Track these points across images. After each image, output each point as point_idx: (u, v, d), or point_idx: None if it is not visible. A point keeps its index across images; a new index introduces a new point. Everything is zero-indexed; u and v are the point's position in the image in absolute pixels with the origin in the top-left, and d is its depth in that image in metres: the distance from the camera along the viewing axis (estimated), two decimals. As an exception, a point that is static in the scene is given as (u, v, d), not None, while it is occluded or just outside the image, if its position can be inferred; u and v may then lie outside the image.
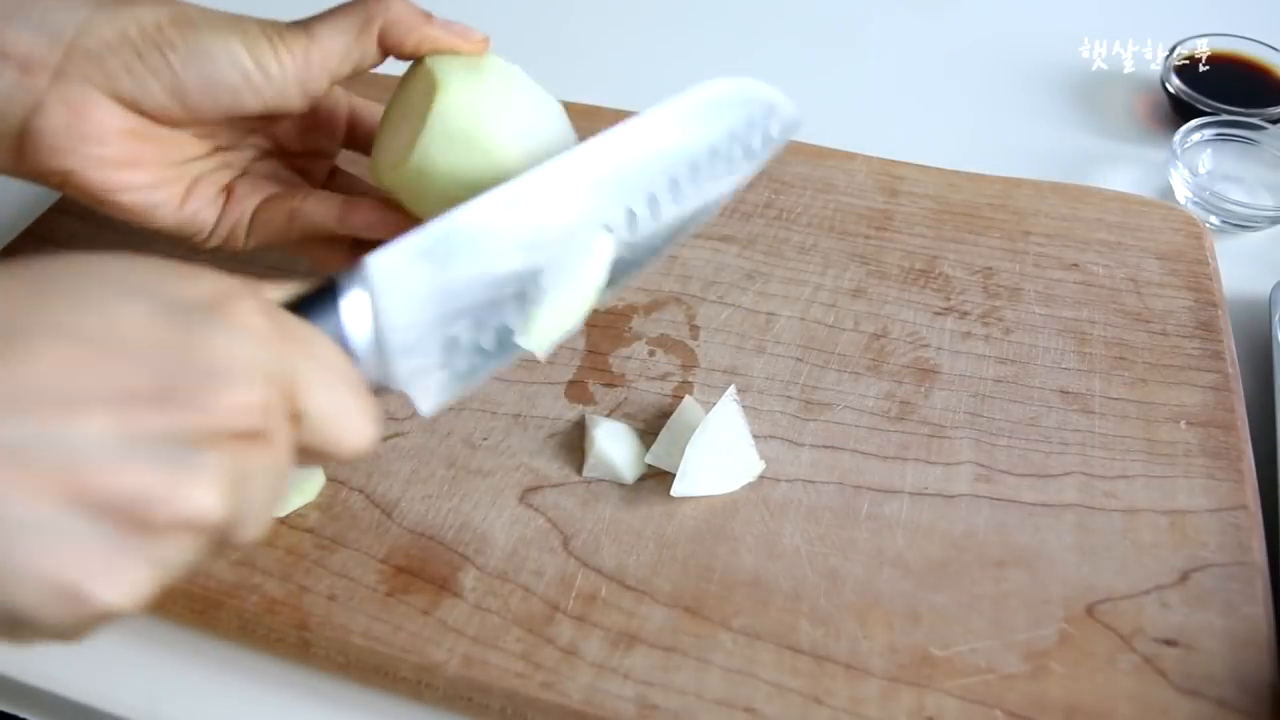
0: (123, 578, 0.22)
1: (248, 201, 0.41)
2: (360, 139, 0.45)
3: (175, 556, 0.24)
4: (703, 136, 0.39)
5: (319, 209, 0.41)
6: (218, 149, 0.41)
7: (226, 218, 0.41)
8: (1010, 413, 0.46)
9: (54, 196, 0.58)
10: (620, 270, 0.38)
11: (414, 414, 0.46)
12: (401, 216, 0.41)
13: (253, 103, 0.37)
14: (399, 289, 0.32)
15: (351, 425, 0.28)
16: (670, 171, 0.39)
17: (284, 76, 0.37)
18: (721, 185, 0.41)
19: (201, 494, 0.23)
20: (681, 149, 0.39)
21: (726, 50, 0.74)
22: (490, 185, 0.35)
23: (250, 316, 0.26)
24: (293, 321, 0.28)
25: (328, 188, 0.45)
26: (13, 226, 0.57)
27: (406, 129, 0.38)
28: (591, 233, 0.37)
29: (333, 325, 0.30)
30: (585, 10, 0.78)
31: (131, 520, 0.22)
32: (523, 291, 0.35)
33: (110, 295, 0.24)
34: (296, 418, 0.27)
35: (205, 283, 0.26)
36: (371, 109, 0.44)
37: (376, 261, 0.32)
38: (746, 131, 0.41)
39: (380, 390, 0.32)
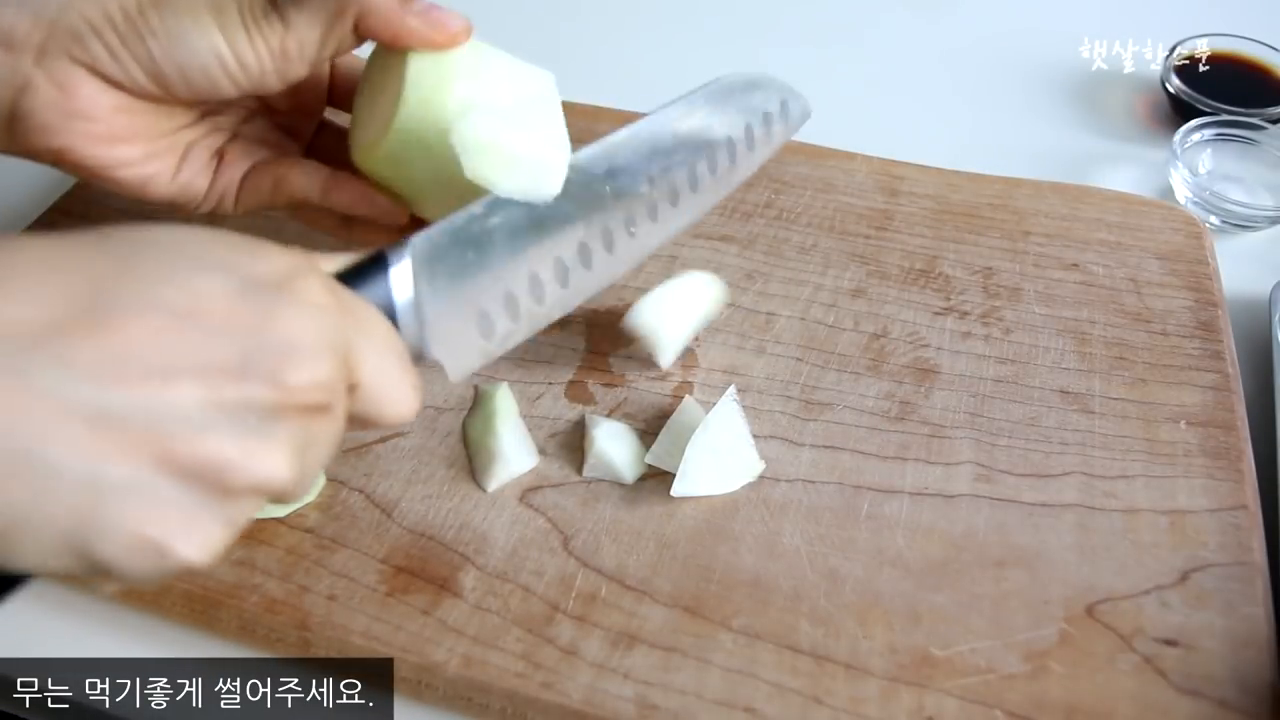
0: (201, 535, 0.24)
1: (237, 167, 0.42)
2: (343, 96, 0.45)
3: (244, 515, 0.26)
4: (720, 126, 0.42)
5: (303, 180, 0.41)
6: (205, 114, 0.41)
7: (217, 184, 0.41)
8: (1010, 413, 0.46)
9: (54, 196, 0.58)
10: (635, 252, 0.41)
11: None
12: (382, 195, 0.41)
13: (230, 89, 0.37)
14: (439, 264, 0.35)
15: (399, 395, 0.30)
16: (691, 161, 0.41)
17: (261, 66, 0.37)
18: (736, 175, 0.43)
19: (274, 462, 0.25)
20: (702, 136, 0.42)
21: (727, 51, 0.74)
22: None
23: (315, 293, 0.27)
24: (349, 296, 0.30)
25: (316, 144, 0.45)
26: (13, 227, 0.58)
27: (379, 111, 0.39)
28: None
29: (382, 294, 0.32)
30: (587, 11, 0.78)
31: (211, 484, 0.24)
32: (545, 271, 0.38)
33: (192, 270, 0.26)
34: (353, 387, 0.29)
35: (274, 259, 0.27)
36: (354, 64, 0.44)
37: (420, 238, 0.35)
38: (762, 122, 0.44)
39: (418, 358, 0.34)
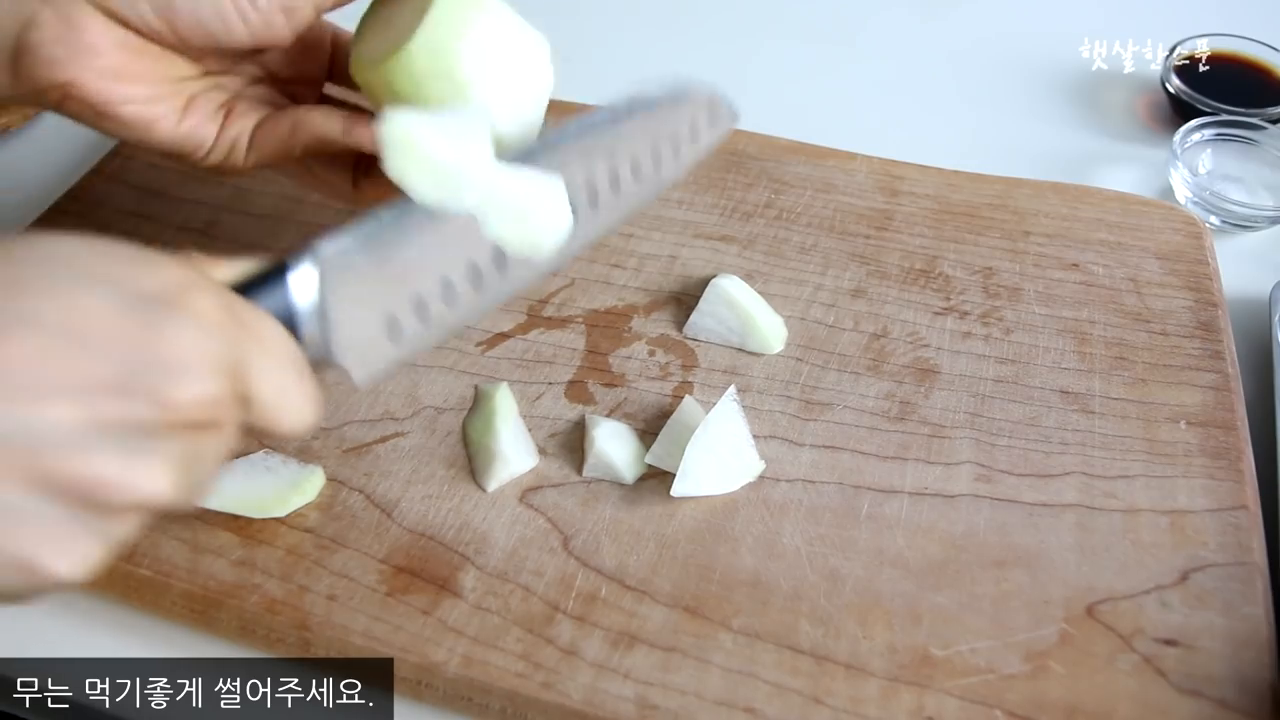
0: (76, 553, 0.24)
1: (246, 119, 0.41)
2: (342, 72, 0.45)
3: (125, 532, 0.25)
4: (644, 134, 0.41)
5: (324, 120, 0.41)
6: (209, 73, 0.41)
7: (226, 133, 0.41)
8: (1010, 413, 0.46)
9: (54, 196, 0.58)
10: (559, 254, 0.39)
11: (414, 414, 0.46)
12: None
13: (241, 33, 0.37)
14: (345, 269, 0.33)
15: (295, 406, 0.29)
16: (612, 167, 0.40)
17: (270, 6, 0.37)
18: (661, 179, 0.41)
19: (155, 479, 0.25)
20: (624, 146, 0.40)
21: (726, 51, 0.74)
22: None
23: (204, 307, 0.27)
24: (244, 307, 0.29)
25: None
26: (13, 226, 0.58)
27: (392, 33, 0.39)
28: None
29: (281, 302, 0.32)
30: (586, 10, 0.78)
31: (89, 502, 0.24)
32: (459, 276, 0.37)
33: (77, 285, 0.25)
34: (244, 401, 0.28)
35: (164, 272, 0.27)
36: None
37: (326, 243, 0.33)
38: (688, 130, 0.42)
39: (321, 364, 0.33)
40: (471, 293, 0.37)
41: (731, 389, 0.46)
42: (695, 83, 0.42)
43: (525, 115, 0.41)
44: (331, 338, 0.33)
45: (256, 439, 0.30)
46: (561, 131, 0.39)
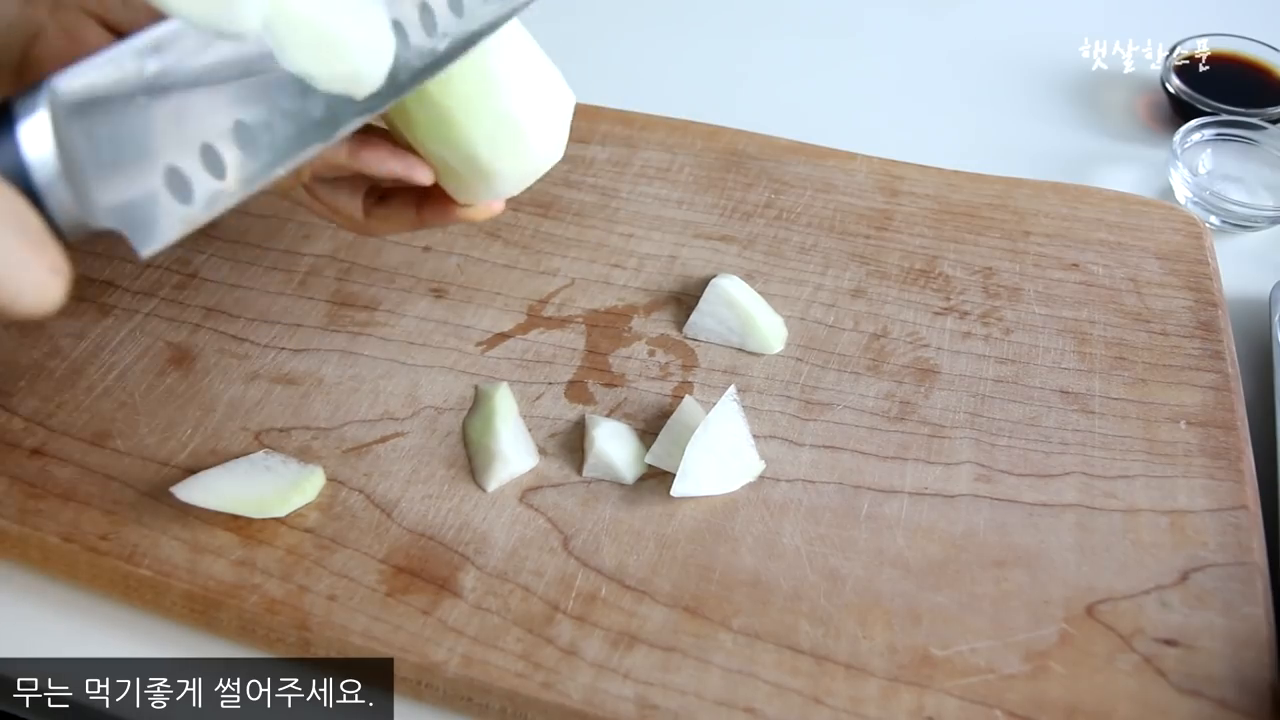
0: None
1: None
2: None
3: None
4: None
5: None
6: None
7: None
8: (1010, 413, 0.46)
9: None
10: (406, 75, 0.35)
11: (414, 414, 0.46)
12: (413, 155, 0.40)
13: None
14: (98, 110, 0.29)
15: (25, 279, 0.26)
16: None
17: None
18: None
19: None
20: None
21: (726, 50, 0.74)
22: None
23: None
24: None
25: None
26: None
27: None
28: None
29: (8, 157, 0.27)
30: (586, 9, 0.78)
31: None
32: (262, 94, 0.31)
33: None
34: None
35: None
36: None
37: (67, 79, 0.28)
38: None
39: (79, 229, 0.29)
40: (287, 128, 0.32)
41: (731, 389, 0.46)
42: None
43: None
44: (90, 198, 0.29)
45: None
46: None
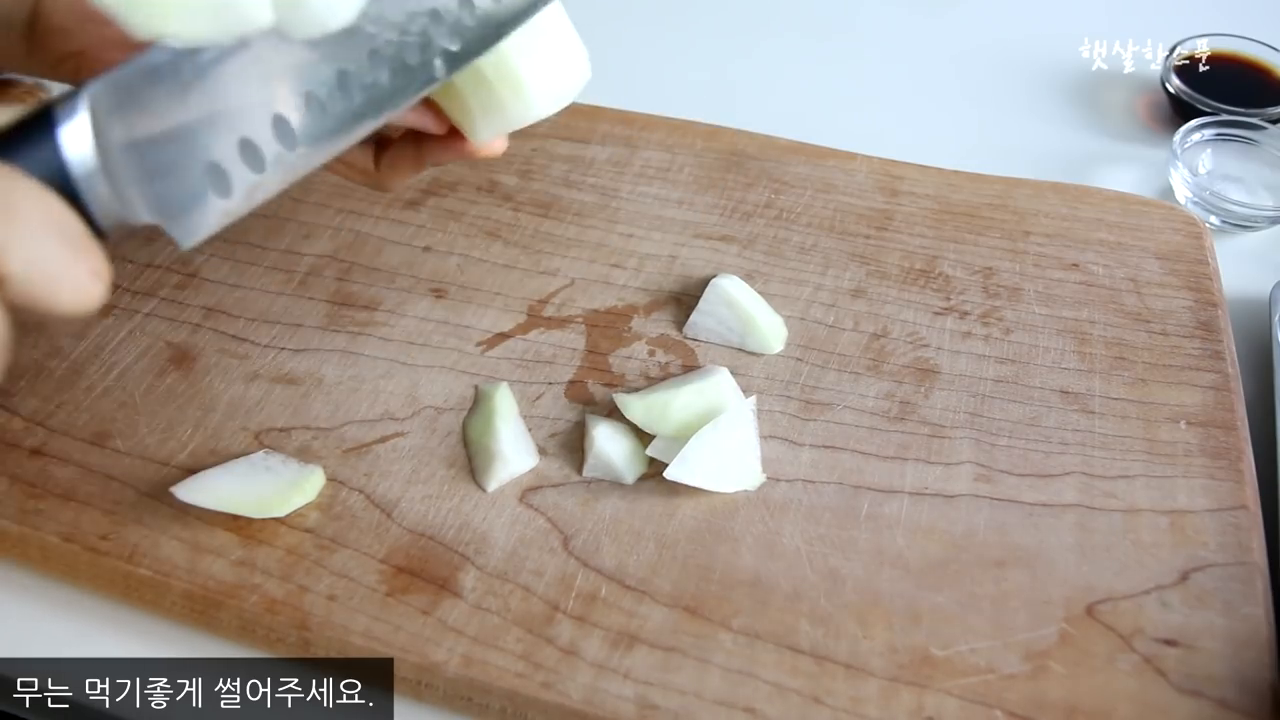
0: None
1: None
2: None
3: None
4: None
5: None
6: None
7: None
8: (1010, 413, 0.46)
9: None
10: (451, 60, 0.35)
11: (414, 414, 0.46)
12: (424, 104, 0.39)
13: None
14: (138, 109, 0.29)
15: (68, 281, 0.26)
16: None
17: None
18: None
19: None
20: None
21: (726, 50, 0.74)
22: None
23: None
24: None
25: None
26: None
27: None
28: None
29: (49, 160, 0.28)
30: (585, 9, 0.78)
31: None
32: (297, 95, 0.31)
33: None
34: (1, 279, 0.25)
35: None
36: None
37: (106, 82, 0.29)
38: None
39: (121, 229, 0.29)
40: (319, 120, 0.32)
41: (753, 399, 0.46)
42: None
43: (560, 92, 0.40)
44: (129, 197, 0.29)
45: (36, 319, 0.26)
46: None
